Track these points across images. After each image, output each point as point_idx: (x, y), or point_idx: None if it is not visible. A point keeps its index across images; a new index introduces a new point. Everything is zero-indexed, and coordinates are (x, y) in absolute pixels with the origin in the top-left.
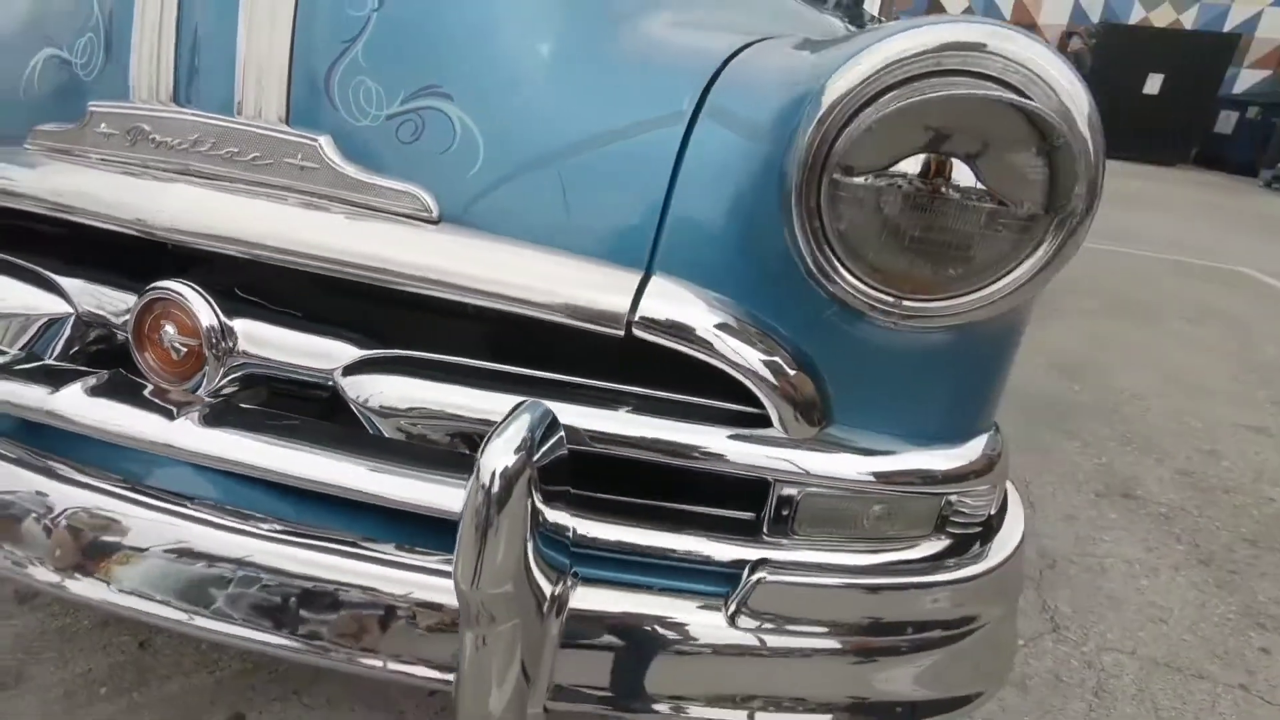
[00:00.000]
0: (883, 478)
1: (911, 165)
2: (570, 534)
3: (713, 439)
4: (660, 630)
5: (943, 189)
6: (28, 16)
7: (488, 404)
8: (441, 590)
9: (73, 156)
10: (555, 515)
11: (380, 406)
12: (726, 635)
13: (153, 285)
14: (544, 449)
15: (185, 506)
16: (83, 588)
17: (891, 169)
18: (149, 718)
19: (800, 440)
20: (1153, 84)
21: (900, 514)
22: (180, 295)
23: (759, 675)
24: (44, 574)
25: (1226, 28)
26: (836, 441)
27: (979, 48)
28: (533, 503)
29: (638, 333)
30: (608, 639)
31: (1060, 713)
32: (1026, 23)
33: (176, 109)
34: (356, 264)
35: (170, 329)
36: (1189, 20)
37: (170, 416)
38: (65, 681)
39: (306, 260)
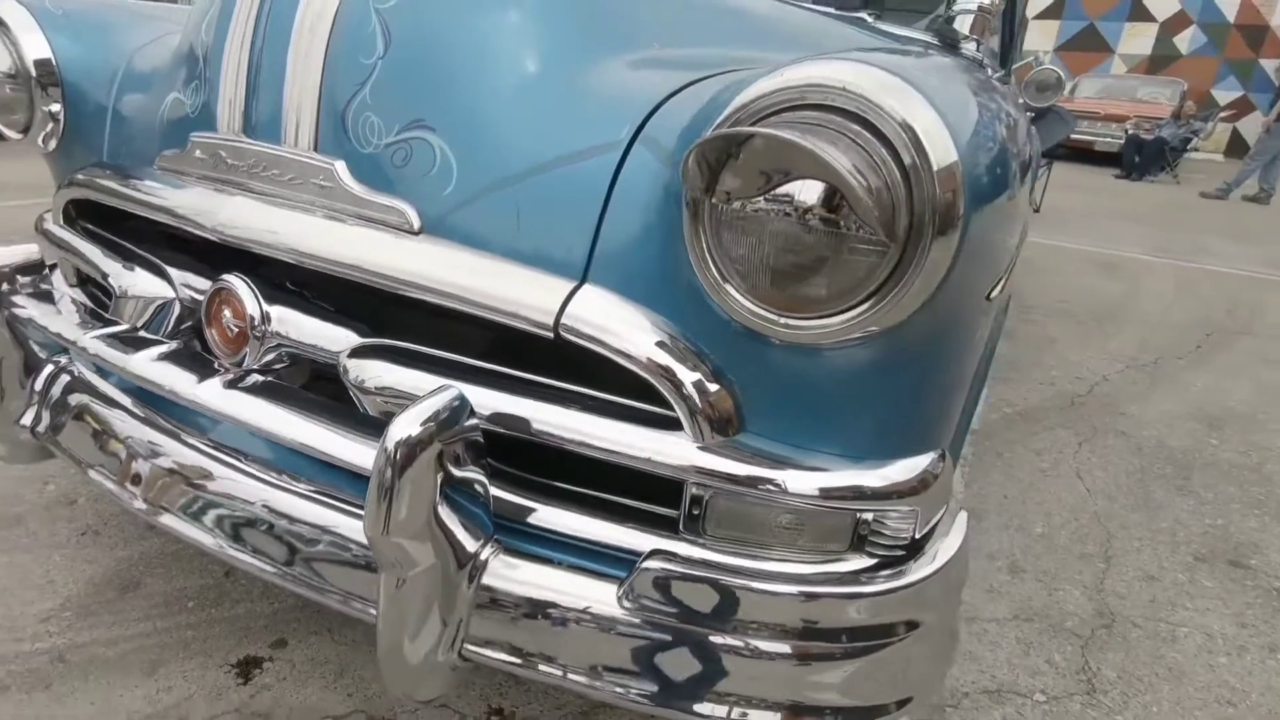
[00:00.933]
0: (777, 487)
1: (775, 192)
2: (487, 500)
3: (625, 435)
4: (561, 600)
5: (799, 215)
6: (167, 69)
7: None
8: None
9: (180, 176)
10: (469, 482)
11: (366, 386)
12: (612, 612)
13: (219, 278)
14: (455, 428)
15: (225, 455)
16: (165, 519)
17: (758, 195)
18: (218, 630)
19: (708, 445)
20: None
21: (811, 526)
22: (234, 286)
23: (642, 655)
24: (138, 504)
25: None
26: (745, 449)
27: (839, 88)
28: (443, 471)
29: (564, 335)
30: (518, 602)
31: None
32: (1257, 24)
33: (245, 139)
34: (352, 266)
35: (228, 313)
36: None
37: (200, 380)
38: (166, 593)
39: (317, 262)
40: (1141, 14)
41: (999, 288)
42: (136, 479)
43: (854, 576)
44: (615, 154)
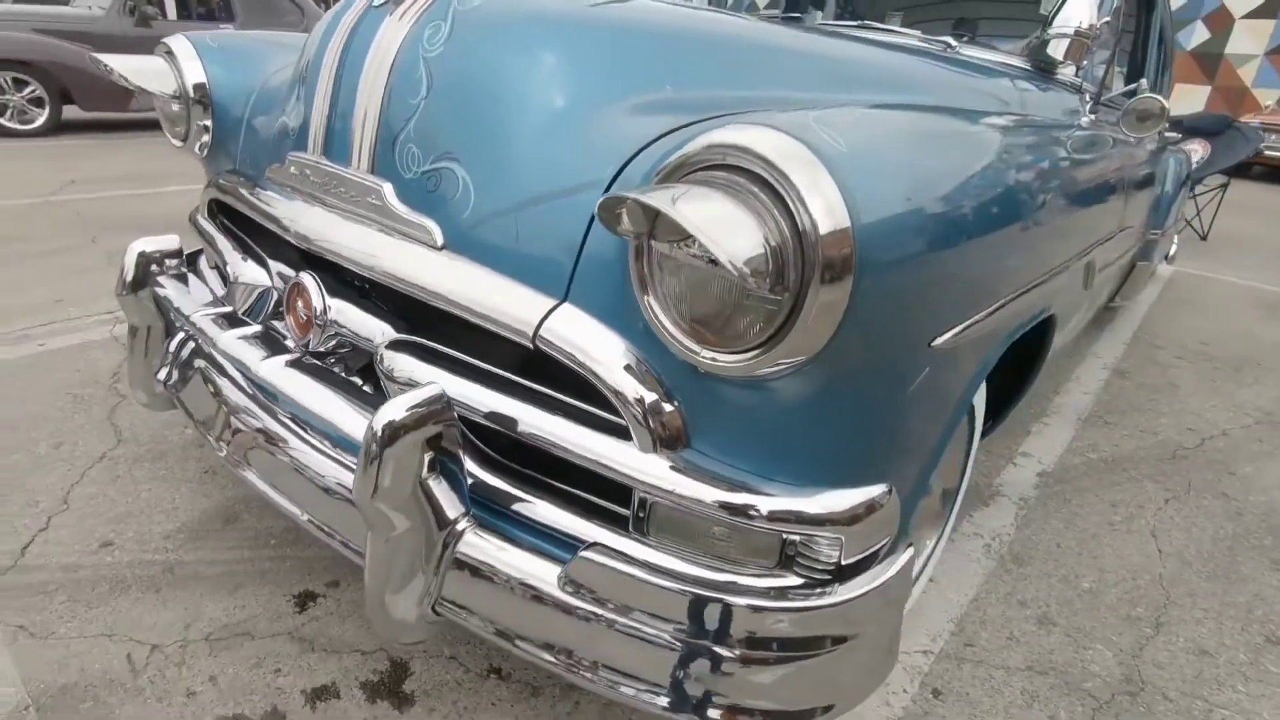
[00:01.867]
0: (702, 502)
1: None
2: (464, 479)
3: (586, 440)
4: (513, 574)
5: (707, 262)
6: (282, 95)
7: (458, 388)
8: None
9: (279, 186)
10: (449, 463)
11: (395, 375)
12: (552, 592)
13: (298, 274)
14: (433, 417)
15: (294, 425)
16: (243, 471)
17: (680, 242)
18: (289, 565)
19: (653, 456)
20: None
21: (740, 541)
22: (305, 281)
23: (578, 635)
24: (223, 454)
25: None
26: (687, 465)
27: (743, 150)
28: (424, 451)
29: (540, 346)
30: (482, 570)
31: None
32: None
33: (324, 160)
34: (388, 274)
35: (300, 303)
36: None
37: (266, 357)
38: (256, 530)
39: (361, 269)
40: None
41: (949, 336)
42: (224, 433)
43: (780, 592)
44: (598, 191)
